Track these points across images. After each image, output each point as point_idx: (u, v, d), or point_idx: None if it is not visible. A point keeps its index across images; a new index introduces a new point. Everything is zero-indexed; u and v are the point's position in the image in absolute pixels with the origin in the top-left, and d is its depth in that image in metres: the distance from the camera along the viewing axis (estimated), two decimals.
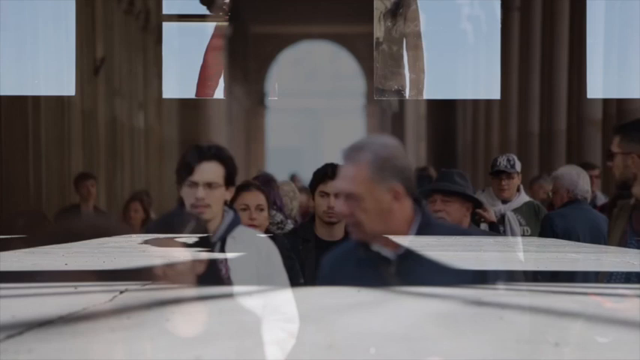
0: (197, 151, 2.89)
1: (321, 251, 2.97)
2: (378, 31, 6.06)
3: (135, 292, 1.32)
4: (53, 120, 8.58)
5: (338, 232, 3.63)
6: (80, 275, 1.77)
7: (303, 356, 0.89)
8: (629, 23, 8.39)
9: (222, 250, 2.81)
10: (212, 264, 2.76)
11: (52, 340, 0.94)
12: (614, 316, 1.12)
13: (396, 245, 2.30)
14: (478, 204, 3.78)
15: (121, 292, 1.27)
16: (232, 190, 2.92)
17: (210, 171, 2.84)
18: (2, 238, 3.14)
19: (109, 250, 2.67)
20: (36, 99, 8.21)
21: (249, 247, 2.87)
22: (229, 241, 2.83)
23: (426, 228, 2.37)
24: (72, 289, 1.39)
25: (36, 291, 1.44)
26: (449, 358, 0.87)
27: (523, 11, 10.66)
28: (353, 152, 2.31)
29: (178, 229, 2.62)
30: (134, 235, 2.86)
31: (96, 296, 1.27)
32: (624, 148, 3.16)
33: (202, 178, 2.83)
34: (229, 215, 2.89)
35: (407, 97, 6.44)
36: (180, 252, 2.59)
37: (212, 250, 2.78)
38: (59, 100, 8.60)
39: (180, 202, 2.91)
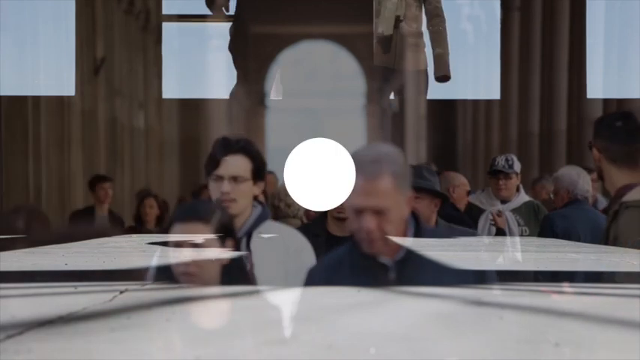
0: (223, 144, 2.81)
1: (333, 246, 2.91)
2: (399, 8, 6.03)
3: (135, 292, 1.32)
4: (53, 120, 8.59)
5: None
6: (80, 275, 1.77)
7: (302, 356, 0.89)
8: (629, 23, 8.40)
9: (248, 246, 2.72)
10: (236, 260, 2.67)
11: (52, 340, 0.94)
12: (614, 316, 1.12)
13: (394, 251, 2.29)
14: (446, 200, 3.76)
15: (121, 292, 1.27)
16: (261, 185, 2.84)
17: (236, 164, 2.77)
18: (6, 238, 3.13)
19: (109, 250, 2.67)
20: (36, 99, 8.23)
21: (277, 243, 2.78)
22: (255, 236, 2.74)
23: (420, 233, 2.37)
24: (72, 289, 1.39)
25: (36, 291, 1.44)
26: (449, 359, 0.87)
27: (523, 11, 10.67)
28: (370, 165, 2.26)
29: (205, 218, 2.54)
30: (134, 235, 2.86)
31: (96, 296, 1.28)
32: (593, 141, 3.20)
33: (228, 171, 2.75)
34: (257, 210, 2.81)
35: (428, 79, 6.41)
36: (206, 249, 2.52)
37: (238, 247, 2.68)
38: (59, 100, 8.61)
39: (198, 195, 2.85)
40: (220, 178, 2.76)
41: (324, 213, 3.68)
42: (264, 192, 4.00)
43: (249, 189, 2.78)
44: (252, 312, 1.21)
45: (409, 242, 2.30)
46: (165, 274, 2.24)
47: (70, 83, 8.23)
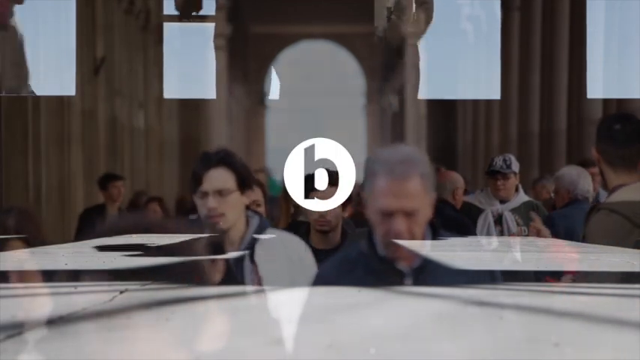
0: (203, 160, 2.75)
1: (315, 259, 2.86)
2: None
3: (135, 292, 1.32)
4: (53, 120, 8.59)
5: (333, 240, 3.58)
6: (80, 275, 1.77)
7: (302, 356, 0.89)
8: (629, 23, 8.41)
9: (252, 259, 2.66)
10: (241, 273, 2.60)
11: (52, 340, 0.94)
12: (614, 316, 1.12)
13: (411, 258, 2.24)
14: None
15: (121, 292, 1.27)
16: (250, 193, 2.77)
17: (219, 178, 2.70)
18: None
19: (109, 250, 2.67)
20: (36, 99, 8.23)
21: (280, 253, 2.72)
22: (258, 249, 2.68)
23: (436, 238, 2.33)
24: (72, 289, 1.39)
25: (36, 291, 1.44)
26: (449, 359, 0.87)
27: (523, 11, 10.68)
28: (400, 166, 2.20)
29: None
30: (134, 235, 2.85)
31: (96, 296, 1.28)
32: (595, 143, 3.18)
33: (212, 186, 2.69)
34: (255, 221, 2.75)
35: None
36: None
37: (240, 259, 2.62)
38: (59, 100, 8.61)
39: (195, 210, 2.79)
40: (205, 194, 2.69)
41: (307, 226, 3.64)
42: (263, 191, 3.96)
43: (237, 200, 2.72)
44: (252, 312, 1.22)
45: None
46: (166, 274, 2.23)
47: (70, 83, 8.23)
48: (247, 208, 2.78)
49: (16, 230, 3.02)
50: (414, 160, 2.22)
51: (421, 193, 2.19)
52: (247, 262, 2.65)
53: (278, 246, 2.76)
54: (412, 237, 2.20)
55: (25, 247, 2.87)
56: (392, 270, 2.23)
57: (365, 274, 2.25)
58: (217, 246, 2.63)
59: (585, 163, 5.46)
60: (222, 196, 2.70)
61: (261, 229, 2.75)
